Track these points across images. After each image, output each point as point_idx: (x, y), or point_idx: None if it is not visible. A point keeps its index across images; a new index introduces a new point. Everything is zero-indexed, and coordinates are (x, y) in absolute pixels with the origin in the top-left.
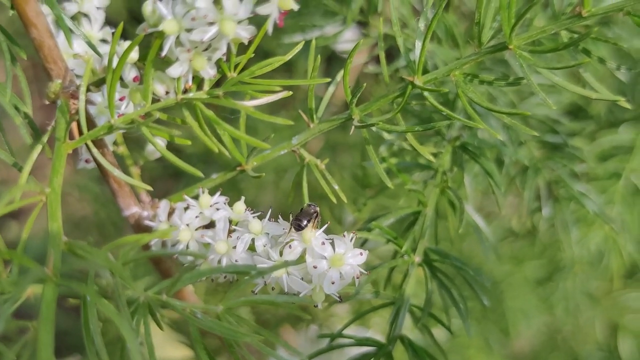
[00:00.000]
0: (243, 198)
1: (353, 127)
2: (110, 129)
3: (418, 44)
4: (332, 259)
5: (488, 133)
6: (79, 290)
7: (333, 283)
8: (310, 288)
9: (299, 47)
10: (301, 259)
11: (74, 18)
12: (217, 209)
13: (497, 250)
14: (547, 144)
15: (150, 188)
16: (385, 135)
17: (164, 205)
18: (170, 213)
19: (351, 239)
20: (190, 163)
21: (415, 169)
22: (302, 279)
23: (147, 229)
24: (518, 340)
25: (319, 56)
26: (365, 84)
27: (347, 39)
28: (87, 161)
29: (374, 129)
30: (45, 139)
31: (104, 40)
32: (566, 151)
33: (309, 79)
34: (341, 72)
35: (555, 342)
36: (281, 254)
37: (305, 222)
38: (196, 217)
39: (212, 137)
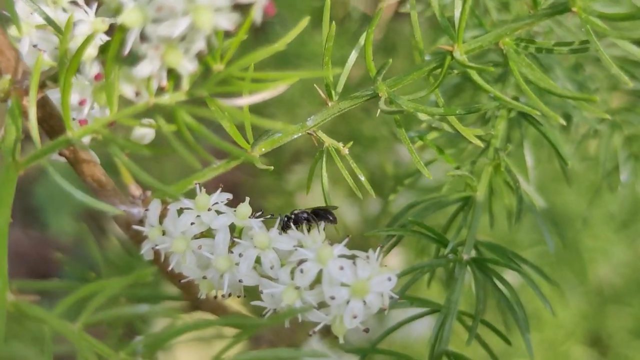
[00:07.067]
0: (247, 199)
1: (379, 109)
2: (67, 143)
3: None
4: (354, 287)
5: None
6: None
7: (355, 317)
8: (329, 319)
9: (305, 23)
10: (317, 280)
11: None
12: (217, 212)
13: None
14: (625, 92)
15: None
16: (421, 116)
17: (154, 206)
18: (164, 213)
19: (377, 257)
20: None
21: (461, 141)
22: (318, 306)
23: (139, 231)
24: (595, 279)
25: (333, 23)
26: (390, 60)
27: None
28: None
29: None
30: None
31: (73, 2)
32: None
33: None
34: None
35: None
36: (292, 274)
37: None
38: (192, 223)
39: (197, 146)
